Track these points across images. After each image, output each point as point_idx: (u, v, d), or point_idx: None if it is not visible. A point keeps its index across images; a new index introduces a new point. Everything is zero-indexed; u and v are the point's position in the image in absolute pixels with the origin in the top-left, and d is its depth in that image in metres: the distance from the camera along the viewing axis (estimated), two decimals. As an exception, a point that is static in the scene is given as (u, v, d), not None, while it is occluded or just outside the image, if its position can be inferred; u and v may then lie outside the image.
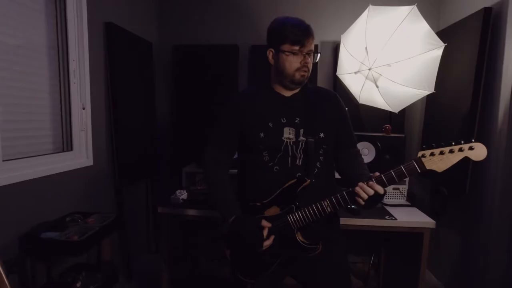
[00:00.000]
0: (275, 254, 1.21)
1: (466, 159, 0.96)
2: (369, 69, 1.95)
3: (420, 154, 1.02)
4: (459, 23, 2.18)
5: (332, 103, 1.32)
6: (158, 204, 1.93)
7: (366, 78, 2.03)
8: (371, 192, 1.07)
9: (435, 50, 1.83)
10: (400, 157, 2.11)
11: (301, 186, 1.19)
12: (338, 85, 2.57)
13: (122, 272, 2.39)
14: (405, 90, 1.93)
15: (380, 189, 1.07)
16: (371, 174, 1.12)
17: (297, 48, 1.18)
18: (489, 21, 1.89)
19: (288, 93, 1.29)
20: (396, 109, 2.07)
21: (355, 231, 1.78)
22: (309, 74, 1.24)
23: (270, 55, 1.26)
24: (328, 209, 1.15)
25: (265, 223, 1.18)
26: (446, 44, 1.82)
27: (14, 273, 1.47)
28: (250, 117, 1.26)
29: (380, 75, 1.94)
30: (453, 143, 0.97)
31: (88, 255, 1.97)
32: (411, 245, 1.91)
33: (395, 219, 1.77)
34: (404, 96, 1.98)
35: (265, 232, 1.17)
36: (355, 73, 2.07)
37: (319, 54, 1.26)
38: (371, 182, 1.08)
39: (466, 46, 2.04)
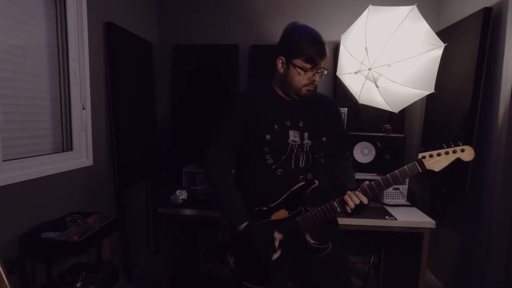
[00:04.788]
0: (286, 258, 1.21)
1: (457, 160, 1.13)
2: (369, 69, 1.95)
3: (420, 155, 1.12)
4: (459, 23, 2.18)
5: (331, 108, 1.36)
6: (158, 204, 1.93)
7: (366, 78, 2.02)
8: (357, 201, 1.14)
9: (435, 50, 1.83)
10: (400, 157, 2.11)
11: (310, 188, 1.20)
12: (338, 85, 2.57)
13: (122, 272, 2.38)
14: (405, 90, 1.93)
15: (364, 199, 1.15)
16: (378, 178, 1.16)
17: (309, 66, 1.18)
18: (489, 21, 1.89)
19: (289, 98, 1.30)
20: (396, 109, 2.07)
21: (355, 231, 1.78)
22: (313, 88, 1.25)
23: (279, 63, 1.23)
24: (339, 209, 1.17)
25: (277, 234, 1.18)
26: (446, 44, 1.82)
27: (14, 273, 1.46)
28: (256, 118, 1.23)
29: (380, 75, 1.94)
30: (445, 146, 1.12)
31: (88, 255, 1.97)
32: (411, 245, 1.91)
33: (395, 219, 1.77)
34: (404, 96, 1.98)
35: (277, 243, 1.17)
36: (355, 73, 2.07)
37: (326, 71, 1.24)
38: (356, 192, 1.15)
39: (466, 46, 2.03)
